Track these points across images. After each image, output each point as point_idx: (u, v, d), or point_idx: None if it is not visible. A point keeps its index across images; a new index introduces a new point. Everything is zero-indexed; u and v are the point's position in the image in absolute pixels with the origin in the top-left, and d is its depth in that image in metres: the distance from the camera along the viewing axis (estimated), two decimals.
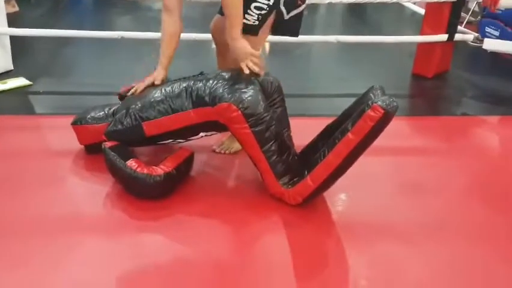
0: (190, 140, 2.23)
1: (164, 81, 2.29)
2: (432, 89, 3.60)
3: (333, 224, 1.99)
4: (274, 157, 2.02)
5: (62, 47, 4.00)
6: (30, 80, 3.24)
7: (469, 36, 3.68)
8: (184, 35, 2.46)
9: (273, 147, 2.01)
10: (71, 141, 2.32)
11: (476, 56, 4.27)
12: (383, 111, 1.80)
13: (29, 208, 1.96)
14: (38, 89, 3.18)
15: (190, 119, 2.07)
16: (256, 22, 2.16)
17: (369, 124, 1.82)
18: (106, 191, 2.09)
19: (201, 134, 2.19)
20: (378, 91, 2.03)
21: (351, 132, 1.86)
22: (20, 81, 3.23)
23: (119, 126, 2.15)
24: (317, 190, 1.97)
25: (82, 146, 2.33)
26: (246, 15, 2.14)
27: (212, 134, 2.28)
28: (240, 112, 1.95)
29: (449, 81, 3.76)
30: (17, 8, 4.93)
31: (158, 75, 2.32)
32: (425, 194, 2.22)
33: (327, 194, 2.08)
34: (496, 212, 2.14)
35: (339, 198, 2.12)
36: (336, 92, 3.44)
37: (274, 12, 2.19)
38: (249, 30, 2.16)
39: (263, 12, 2.15)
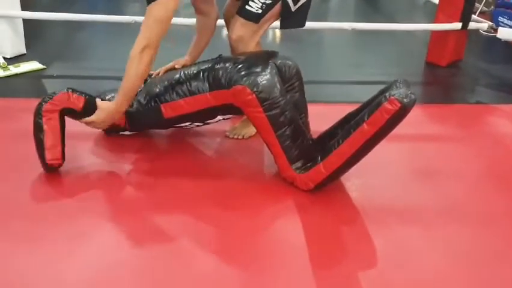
0: (207, 123, 2.25)
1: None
2: (446, 77, 3.58)
3: (349, 208, 1.98)
4: (288, 142, 2.02)
5: (75, 31, 4.01)
6: (43, 64, 3.26)
7: (483, 25, 3.66)
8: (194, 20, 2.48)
9: (287, 132, 2.01)
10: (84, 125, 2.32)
11: (490, 45, 4.24)
12: (399, 104, 1.79)
13: (44, 189, 1.98)
14: (51, 72, 3.20)
15: (207, 101, 2.08)
16: (260, 11, 2.16)
17: (385, 117, 1.82)
18: (122, 175, 2.11)
19: (219, 117, 2.20)
20: (401, 84, 2.01)
21: (366, 123, 1.85)
22: (34, 65, 3.25)
23: (140, 108, 2.19)
24: (329, 177, 1.97)
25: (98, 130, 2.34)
26: (250, 2, 2.14)
27: (230, 118, 2.29)
28: (254, 96, 1.95)
29: (463, 69, 3.73)
30: None
31: (181, 60, 2.38)
32: (442, 180, 2.21)
33: (343, 179, 2.08)
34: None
35: (355, 183, 2.11)
36: (350, 79, 3.43)
37: (280, 3, 2.18)
38: (251, 17, 2.17)
39: (268, 1, 2.15)
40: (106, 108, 2.13)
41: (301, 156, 2.04)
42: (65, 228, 1.76)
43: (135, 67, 2.01)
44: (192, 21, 2.59)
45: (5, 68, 3.14)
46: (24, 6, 3.47)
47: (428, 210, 2.00)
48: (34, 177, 2.03)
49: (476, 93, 3.39)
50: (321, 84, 3.32)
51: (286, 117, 2.00)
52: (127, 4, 5.41)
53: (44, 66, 3.24)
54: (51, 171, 2.04)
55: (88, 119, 2.13)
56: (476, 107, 3.11)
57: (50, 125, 2.01)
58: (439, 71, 3.66)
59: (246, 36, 2.22)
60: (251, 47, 2.25)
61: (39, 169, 2.04)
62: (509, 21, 4.44)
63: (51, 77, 3.16)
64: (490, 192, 2.17)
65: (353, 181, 2.11)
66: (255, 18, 2.17)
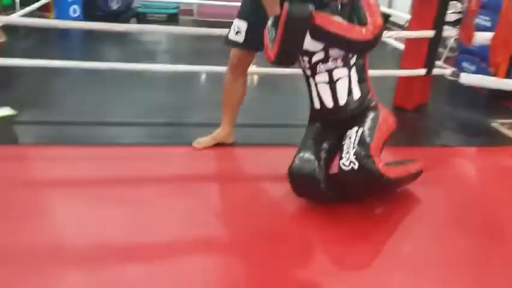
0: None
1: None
2: (413, 121, 3.70)
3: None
4: None
5: (48, 77, 4.03)
6: (15, 110, 3.27)
7: (447, 71, 3.81)
8: (171, 67, 2.56)
9: None
10: (55, 172, 2.34)
11: (455, 88, 4.40)
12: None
13: (13, 237, 1.97)
14: (23, 119, 3.21)
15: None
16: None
17: None
18: (96, 219, 2.12)
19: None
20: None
21: None
22: (5, 111, 3.25)
23: None
24: None
25: (66, 177, 2.34)
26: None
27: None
28: None
29: (429, 113, 3.87)
30: (3, 38, 4.97)
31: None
32: (407, 224, 2.27)
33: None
34: (476, 240, 2.20)
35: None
36: None
37: None
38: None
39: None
40: None
41: None
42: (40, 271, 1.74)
43: None
44: None
45: None
46: None
47: (390, 254, 2.04)
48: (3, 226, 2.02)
49: (442, 136, 3.51)
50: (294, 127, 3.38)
51: None
52: (104, 50, 5.49)
53: (16, 112, 3.25)
54: None
55: None
56: (442, 150, 3.21)
57: None
58: (406, 114, 3.77)
59: None
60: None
61: (6, 218, 2.03)
62: (471, 66, 4.64)
63: (22, 123, 3.17)
64: (453, 235, 2.23)
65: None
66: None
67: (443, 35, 3.71)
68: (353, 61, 2.34)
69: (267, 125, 3.44)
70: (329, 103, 2.36)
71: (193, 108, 3.67)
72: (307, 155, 2.29)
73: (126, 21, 7.10)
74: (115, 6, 6.85)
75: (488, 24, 4.24)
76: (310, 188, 2.27)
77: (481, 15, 4.40)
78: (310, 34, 2.21)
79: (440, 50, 5.11)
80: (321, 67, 2.33)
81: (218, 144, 2.89)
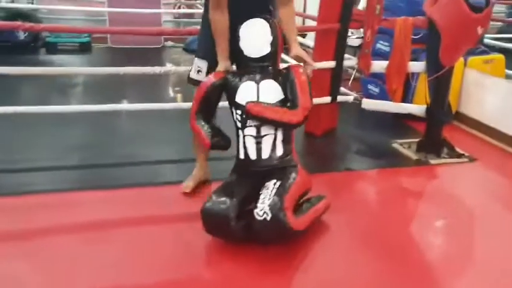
0: None
1: (228, 70, 2.66)
2: (321, 146, 3.91)
3: None
4: None
5: None
6: None
7: (350, 97, 4.07)
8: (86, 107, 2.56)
9: None
10: None
11: (362, 112, 4.68)
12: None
13: None
14: None
15: None
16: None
17: None
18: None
19: None
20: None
21: None
22: None
23: None
24: None
25: None
26: None
27: None
28: None
29: (336, 137, 4.10)
30: None
31: (221, 67, 2.63)
32: (312, 252, 2.42)
33: None
34: (379, 263, 2.39)
35: None
36: None
37: None
38: None
39: None
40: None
41: None
42: None
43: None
44: None
45: None
46: None
47: (300, 283, 2.18)
48: None
49: (346, 160, 3.74)
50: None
51: None
52: (13, 87, 5.31)
53: None
54: None
55: None
56: (346, 174, 3.42)
57: None
58: (315, 140, 3.99)
59: None
60: None
61: None
62: (376, 88, 4.95)
63: None
64: (358, 261, 2.40)
65: None
66: None
67: (344, 65, 3.95)
68: None
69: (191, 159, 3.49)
70: (253, 155, 2.52)
71: (110, 147, 3.67)
72: (221, 196, 2.40)
73: (35, 51, 6.93)
74: (22, 36, 6.67)
75: (388, 49, 4.57)
76: (221, 228, 2.37)
77: (381, 40, 4.75)
78: (247, 117, 2.48)
79: (350, 71, 5.44)
80: (250, 122, 2.51)
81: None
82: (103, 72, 4.00)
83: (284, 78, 2.54)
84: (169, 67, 5.25)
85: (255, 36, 2.57)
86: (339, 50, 3.83)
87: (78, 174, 3.26)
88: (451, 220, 2.92)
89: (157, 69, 3.63)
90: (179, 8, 8.86)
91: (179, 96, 5.30)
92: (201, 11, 9.50)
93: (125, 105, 4.33)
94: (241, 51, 2.58)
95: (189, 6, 9.22)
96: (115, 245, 2.45)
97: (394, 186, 3.34)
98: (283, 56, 2.98)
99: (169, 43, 7.83)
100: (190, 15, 9.13)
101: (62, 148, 3.54)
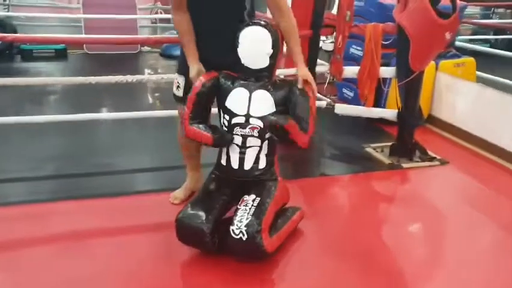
0: None
1: (202, 72, 2.54)
2: (296, 152, 3.92)
3: None
4: None
5: None
6: None
7: (323, 103, 4.12)
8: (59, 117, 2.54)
9: None
10: None
11: (336, 116, 4.74)
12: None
13: None
14: None
15: None
16: None
17: None
18: None
19: None
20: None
21: None
22: None
23: None
24: None
25: None
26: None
27: None
28: None
29: (314, 143, 4.12)
30: None
31: (193, 70, 2.54)
32: (284, 257, 2.46)
33: None
34: (350, 265, 2.44)
35: None
36: None
37: None
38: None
39: None
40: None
41: None
42: None
43: None
44: None
45: None
46: None
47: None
48: None
49: (322, 165, 3.79)
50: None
51: None
52: (20, 103, 5.22)
53: None
54: None
55: None
56: (320, 180, 3.47)
57: None
58: (292, 146, 4.00)
59: None
60: None
61: None
62: (350, 92, 5.02)
63: None
64: (329, 268, 2.44)
65: None
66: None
67: (317, 71, 4.00)
68: (267, 135, 2.49)
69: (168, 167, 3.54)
70: (235, 164, 2.51)
71: (85, 156, 3.65)
72: (198, 209, 2.39)
73: (10, 59, 6.87)
74: None
75: (361, 53, 4.63)
76: (196, 241, 2.39)
77: (354, 45, 4.82)
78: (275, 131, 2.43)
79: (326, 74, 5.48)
80: (237, 130, 2.48)
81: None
82: (74, 81, 3.99)
83: (285, 93, 2.48)
84: (142, 76, 5.27)
85: (255, 49, 2.45)
86: (312, 56, 3.88)
87: (53, 184, 3.25)
88: (422, 223, 2.99)
89: (129, 78, 3.64)
90: (156, 13, 8.82)
91: (157, 102, 5.31)
92: None
93: (100, 115, 4.31)
94: (239, 58, 2.48)
95: (166, 11, 9.20)
96: (90, 255, 2.46)
97: (367, 191, 3.40)
98: None
99: (146, 48, 7.82)
100: (167, 20, 9.11)
101: (36, 159, 3.52)
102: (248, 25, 2.45)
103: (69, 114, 3.74)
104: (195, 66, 2.56)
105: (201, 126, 2.50)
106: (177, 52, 2.96)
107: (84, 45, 7.32)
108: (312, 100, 2.49)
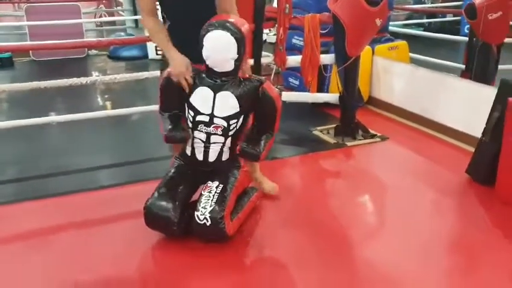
0: None
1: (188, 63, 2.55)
2: None
3: None
4: None
5: None
6: None
7: None
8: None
9: None
10: None
11: (283, 104, 4.97)
12: None
13: None
14: None
15: None
16: None
17: None
18: None
19: None
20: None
21: None
22: None
23: None
24: None
25: None
26: None
27: None
28: None
29: None
30: None
31: (178, 62, 2.55)
32: (242, 232, 2.67)
33: None
34: (304, 236, 2.68)
35: None
36: None
37: None
38: None
39: None
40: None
41: None
42: None
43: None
44: None
45: None
46: None
47: (237, 262, 2.43)
48: None
49: (272, 150, 3.95)
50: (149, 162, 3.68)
51: None
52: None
53: None
54: None
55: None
56: (272, 163, 3.68)
57: None
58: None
59: None
60: None
61: None
62: (296, 80, 5.28)
63: None
64: (283, 238, 2.67)
65: None
66: None
67: (262, 62, 4.23)
68: (231, 133, 2.62)
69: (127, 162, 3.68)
70: (200, 157, 2.66)
71: (42, 159, 3.75)
72: (165, 198, 2.51)
73: None
74: None
75: (302, 43, 4.89)
76: (163, 228, 2.56)
77: (296, 35, 5.08)
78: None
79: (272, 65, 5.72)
80: (201, 127, 2.59)
81: None
82: (25, 87, 4.05)
83: (249, 91, 2.57)
84: (95, 77, 5.36)
85: (220, 55, 2.48)
86: (257, 48, 4.11)
87: (11, 188, 3.34)
88: (367, 194, 3.28)
89: (83, 80, 3.76)
90: (100, 16, 8.85)
91: (108, 104, 5.42)
92: (123, 18, 9.49)
93: (53, 117, 4.39)
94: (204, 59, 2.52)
95: (110, 14, 9.24)
96: (55, 249, 2.58)
97: (316, 169, 3.67)
98: None
99: (93, 51, 7.85)
100: (112, 23, 9.15)
101: None
102: (212, 27, 2.47)
103: (23, 119, 3.81)
104: (179, 58, 2.55)
105: (166, 122, 2.63)
106: (125, 53, 3.09)
107: (30, 52, 7.30)
108: (278, 101, 2.71)
